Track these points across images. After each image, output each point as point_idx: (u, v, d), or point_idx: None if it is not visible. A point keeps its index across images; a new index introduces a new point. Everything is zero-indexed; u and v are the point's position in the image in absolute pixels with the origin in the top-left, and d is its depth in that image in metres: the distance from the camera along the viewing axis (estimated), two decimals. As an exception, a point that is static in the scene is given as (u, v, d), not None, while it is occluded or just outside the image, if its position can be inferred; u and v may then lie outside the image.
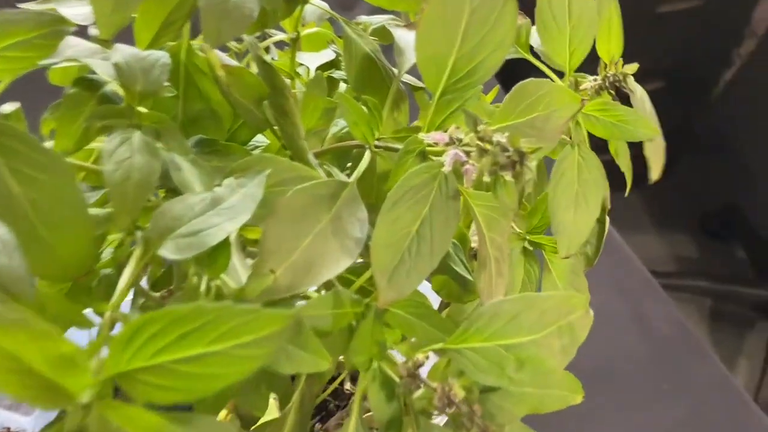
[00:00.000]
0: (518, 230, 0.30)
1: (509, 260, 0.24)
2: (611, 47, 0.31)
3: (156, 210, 0.18)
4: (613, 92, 0.29)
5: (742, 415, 0.66)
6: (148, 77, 0.20)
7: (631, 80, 0.29)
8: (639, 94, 0.30)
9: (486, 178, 0.19)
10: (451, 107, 0.21)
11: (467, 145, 0.20)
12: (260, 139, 0.26)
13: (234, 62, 0.22)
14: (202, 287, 0.19)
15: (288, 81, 0.27)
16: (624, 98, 0.30)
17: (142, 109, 0.20)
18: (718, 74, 1.57)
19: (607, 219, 0.33)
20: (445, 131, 0.21)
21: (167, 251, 0.18)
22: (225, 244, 0.18)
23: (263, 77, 0.22)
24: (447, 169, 0.20)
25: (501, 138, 0.19)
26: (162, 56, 0.20)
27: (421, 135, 0.21)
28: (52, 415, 0.37)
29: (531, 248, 0.30)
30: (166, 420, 0.15)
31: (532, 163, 0.19)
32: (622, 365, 0.68)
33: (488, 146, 0.19)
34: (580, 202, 0.28)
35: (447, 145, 0.20)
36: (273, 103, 0.22)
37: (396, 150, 0.22)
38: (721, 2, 1.53)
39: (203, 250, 0.18)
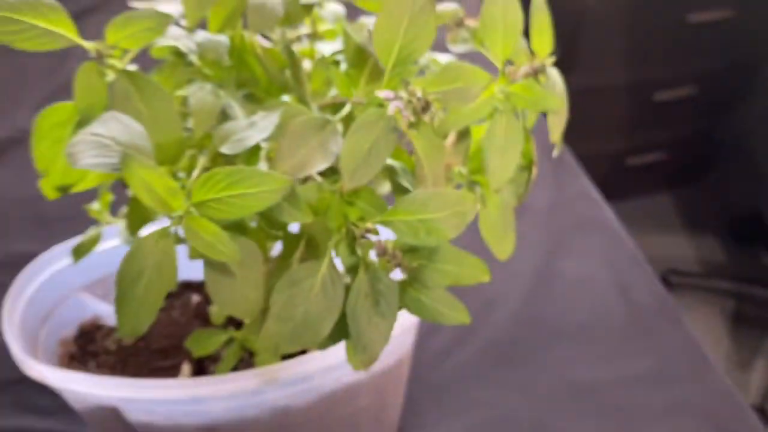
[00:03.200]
0: (463, 171, 0.42)
1: (444, 184, 0.37)
2: (542, 45, 0.43)
3: (218, 127, 0.32)
4: (538, 77, 0.41)
5: (703, 374, 0.76)
6: (216, 51, 0.34)
7: (549, 68, 0.42)
8: (553, 78, 0.42)
9: (411, 119, 0.32)
10: (396, 77, 0.34)
11: (403, 99, 0.33)
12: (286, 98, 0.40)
13: (268, 44, 0.36)
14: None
15: (307, 61, 0.41)
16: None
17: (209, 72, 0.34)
18: (747, 83, 1.64)
19: (534, 170, 0.45)
20: (392, 91, 0.34)
21: (226, 149, 0.31)
22: (256, 147, 0.32)
23: (286, 56, 0.36)
24: (390, 112, 0.33)
25: (419, 94, 0.32)
26: (224, 39, 0.34)
27: (378, 92, 0.34)
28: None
29: (472, 185, 0.42)
30: (218, 228, 0.29)
31: (438, 109, 0.32)
32: (599, 324, 0.79)
33: (412, 99, 0.32)
34: (505, 151, 0.40)
35: (392, 99, 0.33)
36: (292, 73, 0.36)
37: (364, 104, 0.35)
38: (751, 14, 1.59)
39: (244, 149, 0.31)
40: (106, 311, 0.55)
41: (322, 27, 0.43)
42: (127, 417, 0.49)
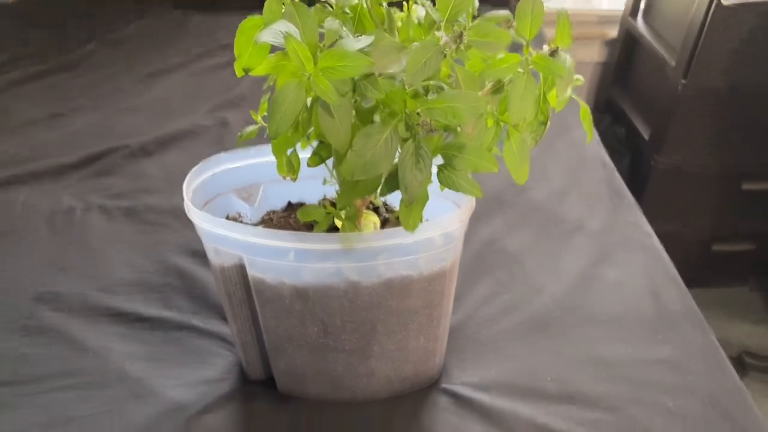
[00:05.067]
0: (495, 112, 0.62)
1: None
2: (563, 39, 0.64)
3: (339, 40, 0.55)
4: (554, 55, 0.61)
5: (717, 369, 0.87)
6: (347, 3, 0.57)
7: (560, 51, 0.61)
8: (562, 57, 0.62)
9: (452, 46, 0.54)
10: (449, 25, 0.55)
11: (449, 36, 0.54)
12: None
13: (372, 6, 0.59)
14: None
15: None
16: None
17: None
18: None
19: (548, 123, 0.64)
20: (444, 33, 0.55)
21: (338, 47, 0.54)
22: (360, 50, 0.54)
23: (386, 13, 0.59)
24: (442, 42, 0.54)
25: (458, 31, 0.54)
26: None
27: (436, 33, 0.55)
28: (263, 210, 0.77)
29: (500, 123, 0.62)
30: (330, 84, 0.51)
31: (466, 40, 0.53)
32: (628, 317, 0.93)
33: (453, 33, 0.54)
34: (522, 98, 0.60)
35: (443, 36, 0.55)
36: (388, 24, 0.59)
37: (431, 46, 0.57)
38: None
39: (350, 51, 0.54)
40: (245, 209, 0.79)
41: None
42: (248, 272, 0.70)
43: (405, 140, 0.55)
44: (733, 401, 0.83)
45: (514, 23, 0.68)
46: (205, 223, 0.67)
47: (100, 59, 1.50)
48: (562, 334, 0.91)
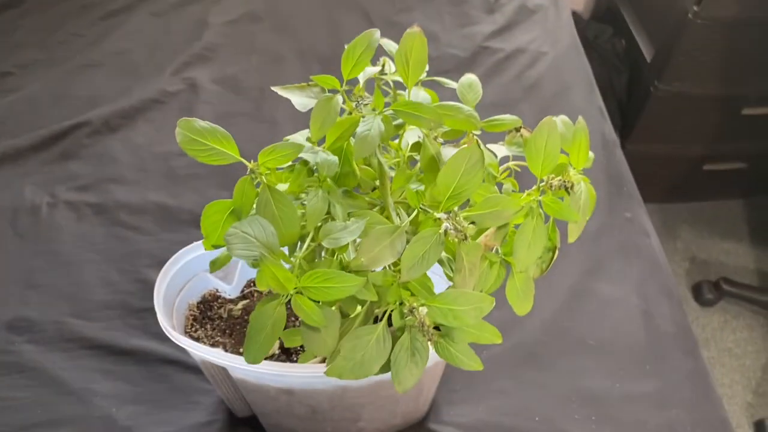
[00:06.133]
0: (499, 253, 0.56)
1: (478, 271, 0.51)
2: (579, 160, 0.56)
3: (323, 226, 0.47)
4: (566, 189, 0.54)
5: (702, 404, 0.88)
6: (329, 168, 0.48)
7: (575, 185, 0.54)
8: (577, 192, 0.54)
9: (455, 239, 0.47)
10: (450, 203, 0.48)
11: (451, 224, 0.47)
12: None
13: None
14: (336, 258, 0.48)
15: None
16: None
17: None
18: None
19: (557, 253, 0.58)
20: (446, 213, 0.48)
21: (326, 243, 0.47)
22: (347, 245, 0.47)
23: (377, 171, 0.50)
24: (441, 230, 0.47)
25: (462, 222, 0.46)
26: (335, 159, 0.49)
27: (436, 214, 0.48)
28: (243, 282, 0.70)
29: (504, 263, 0.56)
30: (313, 304, 0.44)
31: (472, 231, 0.46)
32: (618, 343, 0.92)
33: (456, 225, 0.46)
34: (530, 246, 0.53)
35: (445, 220, 0.47)
36: (380, 181, 0.50)
37: (428, 212, 0.49)
38: None
39: (340, 246, 0.46)
40: (222, 287, 0.73)
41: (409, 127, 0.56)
42: (230, 373, 0.67)
43: (400, 329, 0.50)
44: (715, 439, 0.85)
45: (524, 131, 0.59)
46: (188, 347, 0.63)
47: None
48: (550, 364, 0.90)
